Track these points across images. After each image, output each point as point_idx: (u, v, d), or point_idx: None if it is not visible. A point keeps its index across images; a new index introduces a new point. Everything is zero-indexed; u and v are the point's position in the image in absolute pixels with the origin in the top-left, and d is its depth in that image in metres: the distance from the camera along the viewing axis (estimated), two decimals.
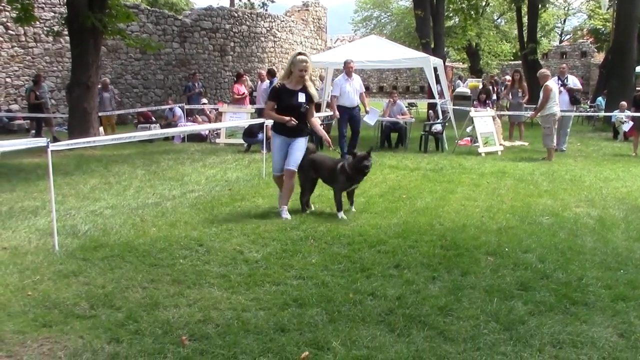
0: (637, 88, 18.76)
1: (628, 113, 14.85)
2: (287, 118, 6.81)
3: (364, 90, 12.56)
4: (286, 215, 6.95)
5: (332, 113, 12.25)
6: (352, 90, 12.02)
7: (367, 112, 13.03)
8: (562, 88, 14.28)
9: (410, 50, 17.25)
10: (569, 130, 14.47)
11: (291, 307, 4.29)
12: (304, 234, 6.23)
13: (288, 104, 6.90)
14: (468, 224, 6.71)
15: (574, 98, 14.70)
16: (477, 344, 3.76)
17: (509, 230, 6.48)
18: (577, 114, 14.45)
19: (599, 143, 16.02)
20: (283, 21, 31.03)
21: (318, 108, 15.10)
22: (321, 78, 22.44)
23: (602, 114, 18.89)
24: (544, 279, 4.96)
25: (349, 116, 12.12)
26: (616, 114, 16.15)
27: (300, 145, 7.03)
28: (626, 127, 14.98)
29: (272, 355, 3.57)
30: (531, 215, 7.19)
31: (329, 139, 7.41)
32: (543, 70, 13.69)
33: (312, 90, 7.06)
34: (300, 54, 6.95)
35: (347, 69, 12.19)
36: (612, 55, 20.84)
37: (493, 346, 3.75)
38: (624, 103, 15.80)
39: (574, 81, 14.98)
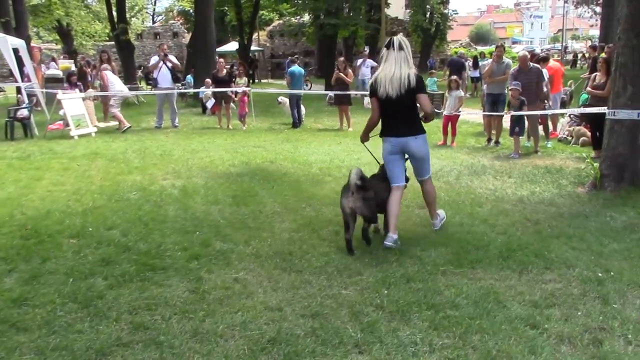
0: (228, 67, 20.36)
1: (212, 89, 16.04)
2: None
3: None
4: None
5: None
6: None
7: None
8: (168, 65, 14.76)
9: None
10: (176, 106, 15.18)
11: None
12: None
13: None
14: (53, 210, 6.51)
15: (176, 76, 15.28)
16: (52, 328, 3.71)
17: (96, 210, 6.50)
18: (171, 91, 15.13)
19: (189, 118, 17.07)
20: None
21: None
22: None
23: (191, 90, 20.11)
24: (126, 251, 5.14)
25: None
26: (203, 90, 17.37)
27: None
28: (210, 103, 16.23)
29: None
30: (119, 193, 7.33)
31: None
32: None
33: None
34: None
35: None
36: (196, 36, 22.24)
37: (69, 326, 3.75)
38: (208, 80, 17.04)
39: (174, 60, 15.54)
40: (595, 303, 4.04)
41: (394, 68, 5.19)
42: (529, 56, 11.25)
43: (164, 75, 14.89)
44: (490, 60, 13.67)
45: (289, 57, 25.99)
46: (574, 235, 5.55)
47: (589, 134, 10.66)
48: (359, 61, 22.06)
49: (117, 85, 14.69)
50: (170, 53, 16.15)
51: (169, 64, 14.87)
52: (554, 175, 8.35)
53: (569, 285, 4.34)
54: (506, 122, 12.18)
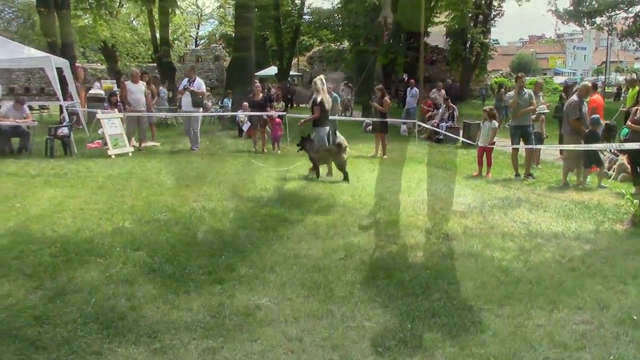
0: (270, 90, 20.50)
1: (248, 113, 16.15)
2: None
3: None
4: None
5: None
6: None
7: None
8: (186, 90, 14.82)
9: (28, 49, 15.99)
10: (198, 130, 15.12)
11: None
12: None
13: None
14: (83, 228, 6.56)
15: (196, 101, 15.12)
16: (72, 348, 3.72)
17: (124, 230, 6.52)
18: (207, 114, 15.30)
19: (225, 140, 17.23)
20: None
21: None
22: None
23: (228, 113, 20.30)
24: (150, 273, 5.13)
25: None
26: (240, 114, 17.49)
27: None
28: (245, 126, 16.35)
29: None
30: (150, 213, 7.36)
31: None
32: None
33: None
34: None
35: None
36: (235, 60, 22.49)
37: (88, 347, 3.74)
38: (245, 104, 17.18)
39: (198, 85, 15.54)
40: (629, 347, 3.86)
41: (327, 95, 10.94)
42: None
43: (186, 99, 14.94)
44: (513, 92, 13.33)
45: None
46: (610, 274, 5.35)
47: (629, 169, 10.38)
48: (408, 90, 21.57)
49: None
50: (195, 76, 15.77)
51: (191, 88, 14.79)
52: (591, 210, 8.11)
53: (602, 327, 4.17)
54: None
